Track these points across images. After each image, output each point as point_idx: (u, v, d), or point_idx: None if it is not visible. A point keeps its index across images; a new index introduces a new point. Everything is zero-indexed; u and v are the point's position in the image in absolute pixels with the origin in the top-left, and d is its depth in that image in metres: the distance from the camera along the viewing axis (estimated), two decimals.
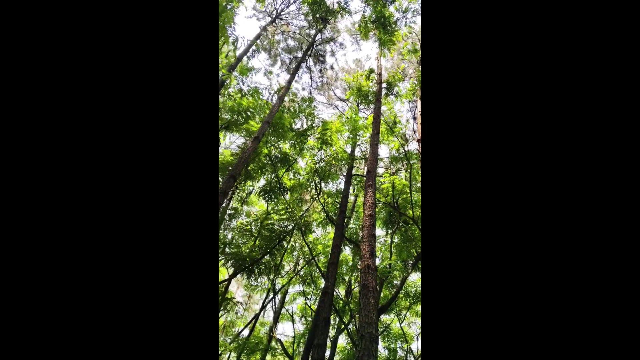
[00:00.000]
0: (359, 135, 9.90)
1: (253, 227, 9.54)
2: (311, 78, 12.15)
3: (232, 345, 9.32)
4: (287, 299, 12.10)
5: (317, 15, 10.47)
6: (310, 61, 11.82)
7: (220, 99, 9.76)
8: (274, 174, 9.72)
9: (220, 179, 10.22)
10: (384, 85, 10.34)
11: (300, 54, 11.80)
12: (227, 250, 9.05)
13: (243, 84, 10.59)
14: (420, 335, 12.31)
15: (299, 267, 10.99)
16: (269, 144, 9.71)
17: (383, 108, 10.10)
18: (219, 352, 10.60)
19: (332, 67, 12.56)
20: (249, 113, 9.90)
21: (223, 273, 11.80)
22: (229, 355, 10.47)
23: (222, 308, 8.26)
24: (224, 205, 9.64)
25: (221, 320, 11.78)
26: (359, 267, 7.33)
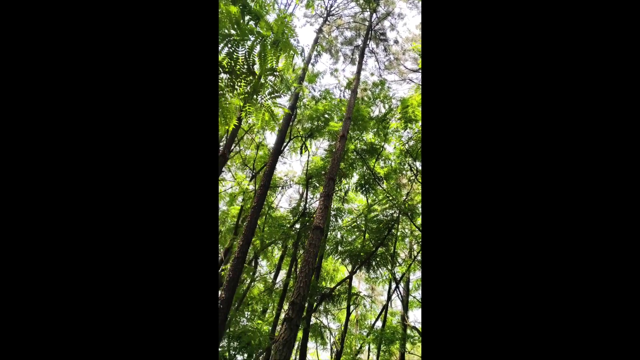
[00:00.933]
0: None
1: (359, 222, 9.71)
2: (377, 60, 11.75)
3: (369, 337, 9.62)
4: (410, 286, 11.87)
5: None
6: (372, 44, 11.45)
7: (298, 111, 10.31)
8: (365, 167, 9.71)
9: (317, 184, 10.76)
10: None
11: (360, 41, 11.56)
12: (339, 248, 9.44)
13: (314, 90, 10.95)
14: None
15: (415, 253, 10.66)
16: (353, 139, 9.77)
17: None
18: (359, 345, 11.06)
19: (396, 42, 11.89)
20: (326, 116, 10.18)
21: (342, 270, 12.33)
22: (369, 347, 10.83)
23: (351, 303, 8.62)
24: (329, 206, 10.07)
25: (353, 315, 12.30)
26: None
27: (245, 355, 7.50)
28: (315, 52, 10.61)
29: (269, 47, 3.60)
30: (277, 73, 3.90)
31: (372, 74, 12.65)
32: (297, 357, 8.58)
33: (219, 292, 6.70)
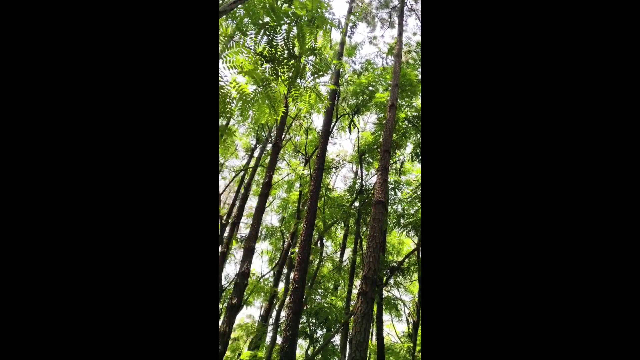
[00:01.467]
0: None
1: (419, 193, 9.35)
2: (418, 17, 10.84)
3: None
4: None
5: None
6: (410, 1, 10.58)
7: (341, 88, 10.10)
8: (419, 134, 9.22)
9: (370, 159, 10.58)
10: None
11: (397, 1, 10.75)
12: (402, 221, 9.25)
13: (355, 64, 10.59)
14: None
15: None
16: (402, 107, 9.30)
17: None
18: None
19: None
20: (371, 88, 9.81)
21: (407, 243, 12.14)
22: None
23: (421, 274, 8.49)
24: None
25: None
26: None
27: (324, 329, 7.93)
28: (350, 24, 10.18)
29: (306, 26, 3.54)
30: (317, 52, 3.83)
31: (414, 34, 11.76)
32: (374, 329, 8.82)
33: (292, 273, 7.09)
